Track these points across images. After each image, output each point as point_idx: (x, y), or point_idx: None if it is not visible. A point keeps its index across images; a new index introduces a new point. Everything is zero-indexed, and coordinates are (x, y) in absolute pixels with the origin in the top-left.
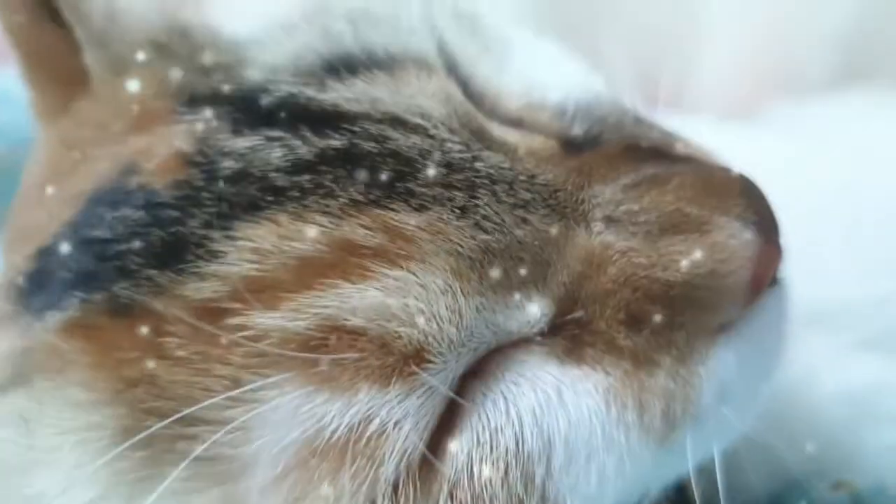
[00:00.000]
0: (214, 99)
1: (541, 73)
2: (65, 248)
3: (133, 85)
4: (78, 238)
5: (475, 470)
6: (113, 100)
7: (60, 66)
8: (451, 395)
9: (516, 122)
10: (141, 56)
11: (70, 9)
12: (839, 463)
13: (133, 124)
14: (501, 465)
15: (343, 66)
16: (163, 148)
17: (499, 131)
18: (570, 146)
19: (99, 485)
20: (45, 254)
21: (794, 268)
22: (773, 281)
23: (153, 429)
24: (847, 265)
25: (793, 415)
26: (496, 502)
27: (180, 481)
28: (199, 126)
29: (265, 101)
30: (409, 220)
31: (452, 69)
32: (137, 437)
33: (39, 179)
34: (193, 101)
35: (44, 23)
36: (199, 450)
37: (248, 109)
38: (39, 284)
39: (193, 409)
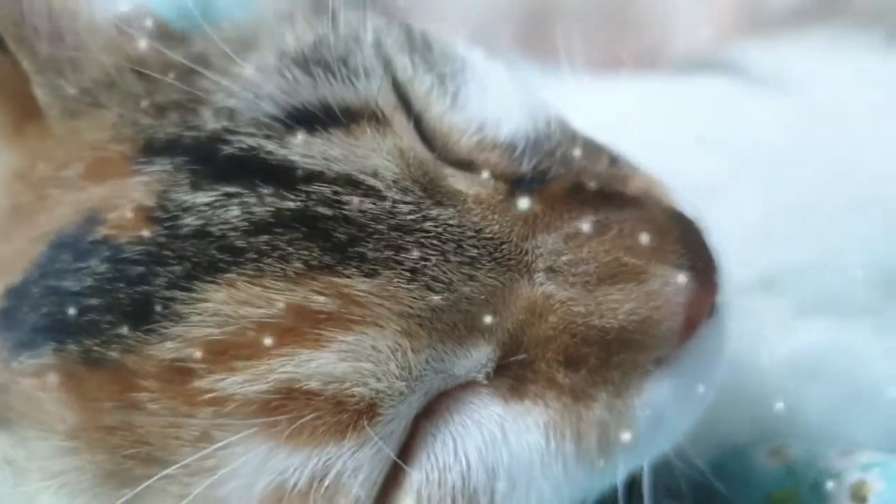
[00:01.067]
0: (171, 148)
1: (492, 105)
2: (34, 290)
3: (89, 132)
4: (47, 285)
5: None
6: (69, 142)
7: (12, 89)
8: (394, 457)
9: (466, 164)
10: (91, 95)
11: (15, 41)
12: (781, 427)
13: (91, 171)
14: (448, 500)
15: (301, 123)
16: (124, 200)
17: (449, 179)
18: (519, 185)
19: None
20: (15, 294)
21: (745, 232)
22: (712, 311)
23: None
24: (799, 228)
25: (739, 380)
26: None
27: None
28: (158, 179)
29: (224, 152)
30: (361, 286)
31: (406, 107)
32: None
33: (3, 209)
34: (150, 149)
35: None
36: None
37: (206, 161)
38: (11, 324)
39: (171, 469)
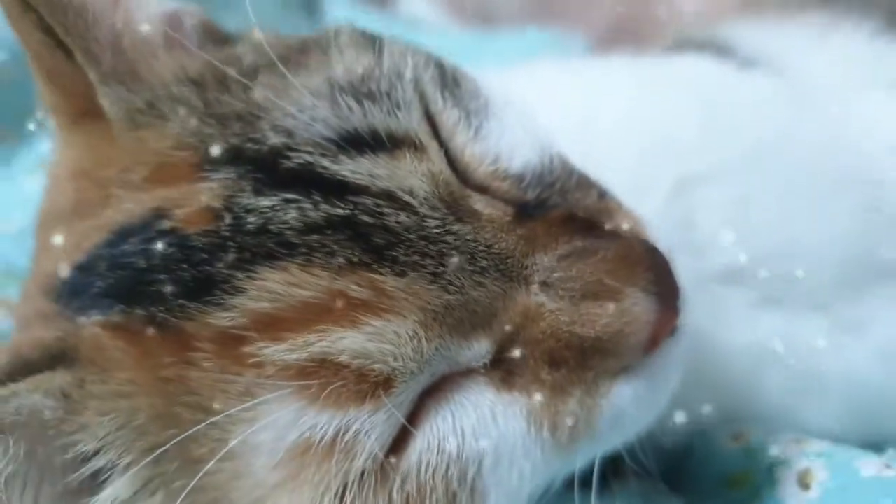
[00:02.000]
0: (236, 157)
1: (507, 140)
2: (100, 265)
3: (153, 140)
4: (114, 262)
5: (423, 466)
6: (133, 149)
7: (74, 87)
8: (403, 421)
9: (482, 189)
10: (154, 107)
11: (83, 53)
12: (742, 412)
13: (157, 175)
14: (443, 466)
15: (352, 145)
16: (192, 201)
17: (469, 200)
18: (524, 210)
19: (133, 450)
20: (81, 269)
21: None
22: (673, 331)
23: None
24: (764, 222)
25: (702, 367)
26: (436, 492)
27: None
28: (224, 185)
29: (284, 165)
30: (391, 283)
31: (436, 136)
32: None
33: (69, 199)
34: (214, 158)
35: (58, 51)
36: (233, 442)
37: (268, 171)
38: (79, 291)
39: (219, 416)
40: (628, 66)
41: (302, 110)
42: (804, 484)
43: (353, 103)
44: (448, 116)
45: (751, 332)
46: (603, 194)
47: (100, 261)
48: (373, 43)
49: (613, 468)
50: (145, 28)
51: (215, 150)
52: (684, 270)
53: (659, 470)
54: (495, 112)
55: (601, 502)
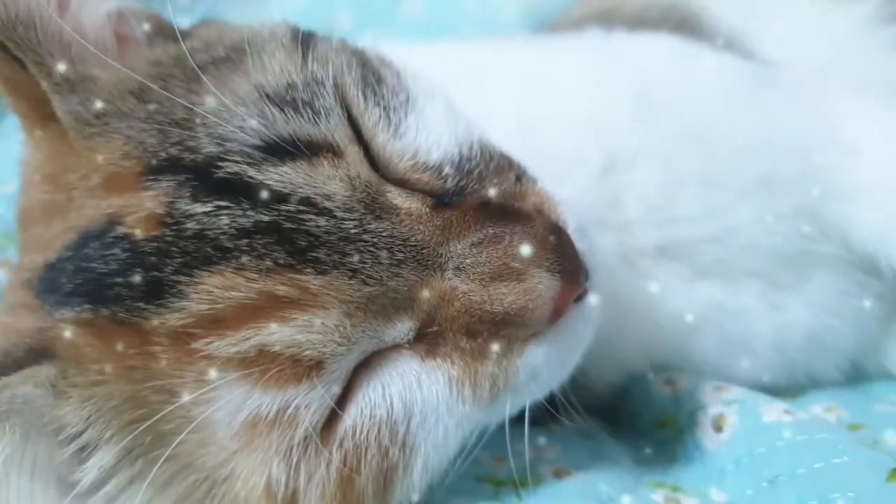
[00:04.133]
0: (174, 166)
1: (425, 134)
2: (69, 266)
3: (103, 151)
4: (80, 265)
5: (357, 428)
6: (87, 158)
7: (34, 94)
8: (327, 410)
9: (402, 182)
10: (102, 119)
11: (34, 65)
12: (678, 365)
13: (108, 184)
14: (375, 426)
15: (274, 154)
16: (139, 209)
17: (388, 195)
18: (441, 200)
19: (112, 429)
20: (52, 268)
21: (648, 206)
22: (580, 298)
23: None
24: (692, 205)
25: (642, 326)
26: (370, 448)
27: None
28: (165, 193)
29: (217, 175)
30: (314, 281)
31: (358, 136)
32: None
33: (40, 201)
34: (155, 168)
35: (14, 63)
36: (196, 420)
37: (203, 179)
38: (52, 288)
39: (177, 407)
40: (574, 44)
41: (232, 119)
42: (718, 427)
43: (277, 113)
44: (369, 117)
45: (685, 300)
46: (520, 177)
47: (67, 262)
48: (302, 47)
49: (555, 410)
50: (92, 31)
51: (155, 162)
52: (611, 246)
53: (600, 410)
54: (415, 107)
55: (550, 435)
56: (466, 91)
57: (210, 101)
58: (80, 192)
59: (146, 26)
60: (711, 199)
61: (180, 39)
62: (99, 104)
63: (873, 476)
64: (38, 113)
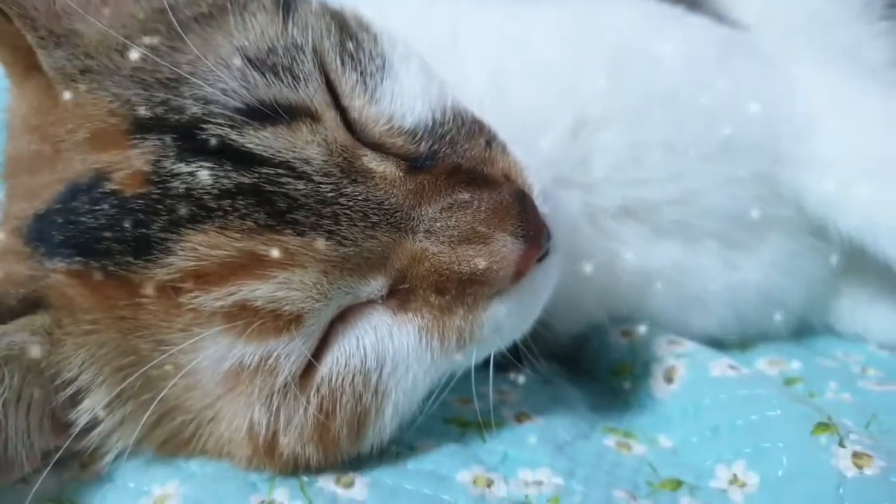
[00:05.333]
0: (159, 126)
1: (400, 99)
2: (58, 219)
3: (90, 106)
4: (70, 218)
5: (333, 376)
6: (74, 112)
7: (19, 45)
8: (305, 360)
9: (377, 146)
10: (87, 75)
11: (19, 19)
12: (632, 315)
13: (95, 140)
14: (350, 374)
15: (255, 118)
16: (127, 166)
17: (363, 159)
18: (415, 164)
19: (103, 374)
20: (42, 219)
21: (615, 168)
22: (542, 257)
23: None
24: (657, 168)
25: (603, 281)
26: (345, 394)
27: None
28: (152, 151)
29: (200, 136)
30: (293, 242)
31: (336, 100)
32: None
33: (26, 151)
34: (142, 126)
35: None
36: (176, 382)
37: (188, 139)
38: (43, 238)
39: (166, 355)
40: (552, 4)
41: (215, 81)
42: (669, 378)
43: (258, 77)
44: (346, 81)
45: (645, 257)
46: (490, 142)
47: (56, 214)
48: (283, 11)
49: (518, 357)
50: None
51: (141, 121)
52: (577, 204)
53: (561, 357)
54: (391, 72)
55: (512, 381)
56: (441, 49)
57: (194, 62)
58: (66, 145)
59: None
60: (675, 163)
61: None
62: (87, 55)
63: (800, 428)
64: (24, 63)
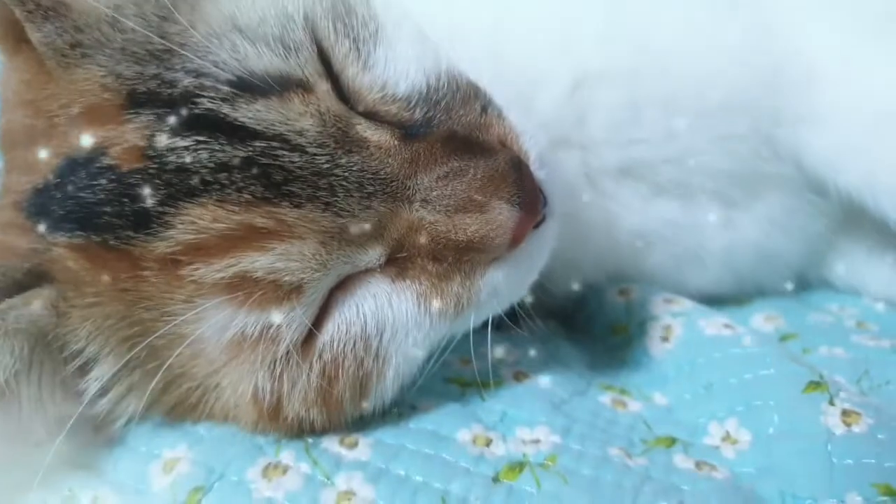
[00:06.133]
0: (153, 100)
1: (394, 66)
2: (57, 194)
3: (82, 81)
4: (69, 192)
5: (334, 343)
6: (66, 86)
7: (9, 17)
8: (306, 328)
9: (371, 115)
10: (78, 48)
11: None
12: (632, 276)
13: (89, 115)
14: (351, 340)
15: (247, 90)
16: (122, 140)
17: (358, 128)
18: (411, 131)
19: (110, 345)
20: (41, 193)
21: (612, 127)
22: (539, 223)
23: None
24: (655, 126)
25: (600, 240)
26: (347, 359)
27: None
28: (146, 126)
29: (193, 111)
30: (291, 214)
31: (328, 69)
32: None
33: (21, 124)
34: (135, 100)
35: None
36: (181, 351)
37: (181, 115)
38: (44, 212)
39: (170, 326)
40: None
41: (206, 54)
42: (664, 337)
43: (248, 48)
44: (339, 49)
45: (643, 216)
46: (485, 107)
47: (55, 189)
48: None
49: (517, 317)
50: None
51: (135, 95)
52: (575, 164)
53: (559, 315)
54: (384, 37)
55: (511, 341)
56: (436, 9)
57: (184, 33)
58: (61, 119)
59: None
60: (671, 122)
61: None
62: (77, 28)
63: (792, 387)
64: (14, 35)
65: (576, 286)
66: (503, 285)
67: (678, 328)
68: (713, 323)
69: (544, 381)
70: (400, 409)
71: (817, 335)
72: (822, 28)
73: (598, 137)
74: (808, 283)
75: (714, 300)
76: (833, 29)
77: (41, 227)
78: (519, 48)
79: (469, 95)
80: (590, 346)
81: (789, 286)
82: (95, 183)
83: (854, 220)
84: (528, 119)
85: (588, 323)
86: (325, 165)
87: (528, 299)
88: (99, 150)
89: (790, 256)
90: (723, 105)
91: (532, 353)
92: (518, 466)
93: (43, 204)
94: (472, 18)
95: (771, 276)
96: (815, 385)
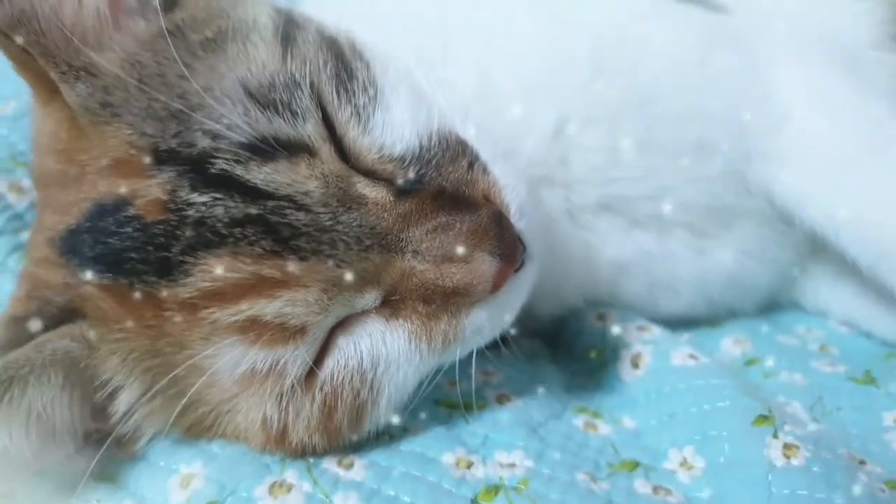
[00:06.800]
0: (174, 158)
1: (391, 129)
2: (87, 238)
3: (111, 137)
4: (99, 238)
5: (334, 376)
6: (97, 141)
7: (44, 73)
8: (309, 364)
9: (370, 173)
10: (108, 108)
11: (42, 56)
12: (609, 301)
13: (117, 169)
14: (349, 374)
15: (258, 153)
16: (146, 193)
17: (357, 186)
18: (403, 188)
19: (135, 374)
20: (74, 234)
21: (593, 167)
22: (518, 269)
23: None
24: (632, 166)
25: (580, 269)
26: (345, 391)
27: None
28: (168, 181)
29: (210, 170)
30: (297, 266)
31: (331, 132)
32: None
33: (54, 169)
34: (158, 158)
35: (24, 53)
36: (198, 383)
37: (199, 172)
38: (76, 251)
39: (190, 361)
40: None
41: (220, 117)
42: (635, 364)
43: (259, 113)
44: (342, 115)
45: (620, 247)
46: (472, 163)
47: (86, 233)
48: (282, 45)
49: (504, 340)
50: (90, 16)
51: (158, 153)
52: (557, 201)
53: (543, 335)
54: (383, 102)
55: (496, 363)
56: (432, 57)
57: (201, 94)
58: (91, 168)
59: (133, 0)
60: (650, 162)
61: (171, 45)
62: (106, 89)
63: (743, 419)
64: (47, 86)
65: (558, 310)
66: (486, 323)
67: (647, 356)
68: (680, 353)
69: (524, 403)
70: (392, 430)
71: (781, 360)
72: (798, 77)
73: (579, 176)
74: (779, 304)
75: (688, 322)
76: (806, 79)
77: (73, 265)
78: (506, 95)
79: (457, 153)
80: (570, 365)
81: (749, 305)
82: (122, 231)
83: (821, 247)
84: (516, 159)
85: (569, 344)
86: (328, 222)
87: (513, 331)
88: (125, 201)
89: (761, 282)
90: (697, 146)
91: (516, 373)
92: (494, 490)
93: (75, 244)
94: (463, 66)
95: (742, 300)
96: (764, 418)
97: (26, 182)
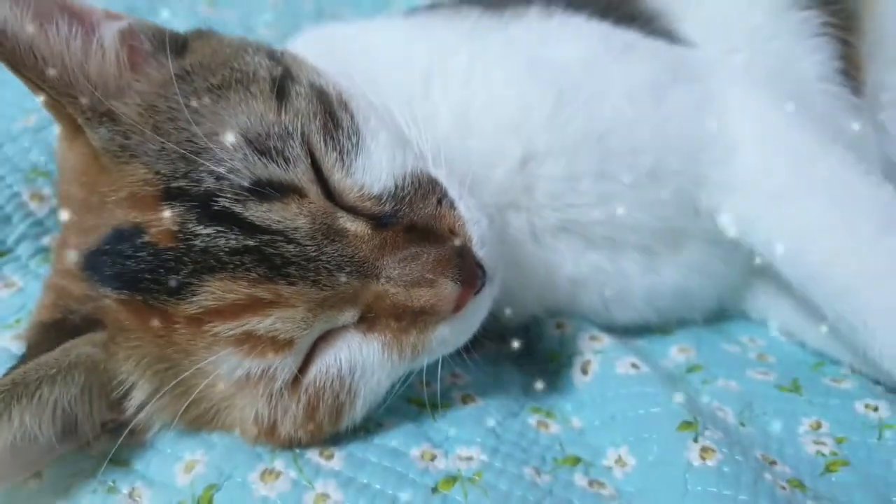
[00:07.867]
0: (183, 194)
1: (370, 172)
2: (107, 259)
3: (129, 175)
4: (116, 258)
5: (317, 381)
6: (116, 177)
7: (68, 113)
8: (295, 371)
9: (351, 209)
10: (127, 150)
11: (69, 105)
12: (565, 311)
13: (133, 202)
14: (329, 379)
15: (255, 195)
16: (159, 224)
17: (340, 220)
18: (381, 222)
19: (147, 376)
20: (93, 255)
21: (553, 195)
22: (478, 291)
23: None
24: (589, 194)
25: (541, 283)
26: (326, 393)
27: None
28: (178, 214)
29: (214, 207)
30: (286, 289)
31: (318, 175)
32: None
33: (77, 196)
34: (169, 194)
35: (53, 102)
36: (201, 385)
37: (204, 208)
38: (96, 269)
39: (198, 365)
40: (511, 36)
41: (222, 161)
42: (584, 370)
43: (257, 159)
44: (328, 160)
45: (577, 265)
46: (441, 199)
47: (105, 254)
48: (278, 95)
49: (473, 347)
50: (110, 63)
51: (169, 190)
52: (521, 224)
53: (509, 338)
54: (364, 148)
55: (464, 365)
56: (416, 94)
57: (206, 139)
58: (111, 199)
59: (148, 45)
60: (604, 190)
61: (179, 93)
62: (125, 133)
63: (670, 424)
64: (72, 125)
65: (522, 318)
66: (450, 337)
67: (595, 364)
68: (623, 362)
69: (485, 403)
70: (369, 425)
71: (720, 368)
72: (747, 112)
73: (541, 202)
74: (727, 313)
75: (642, 330)
76: (755, 113)
77: (93, 281)
78: (479, 130)
79: (428, 191)
80: (531, 368)
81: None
82: (137, 255)
83: (762, 266)
84: (486, 186)
85: (531, 348)
86: (314, 253)
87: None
88: (141, 229)
89: (708, 295)
90: (650, 175)
91: (482, 375)
92: (452, 480)
93: (95, 263)
94: (443, 104)
95: (691, 311)
96: (688, 424)
97: (47, 190)
